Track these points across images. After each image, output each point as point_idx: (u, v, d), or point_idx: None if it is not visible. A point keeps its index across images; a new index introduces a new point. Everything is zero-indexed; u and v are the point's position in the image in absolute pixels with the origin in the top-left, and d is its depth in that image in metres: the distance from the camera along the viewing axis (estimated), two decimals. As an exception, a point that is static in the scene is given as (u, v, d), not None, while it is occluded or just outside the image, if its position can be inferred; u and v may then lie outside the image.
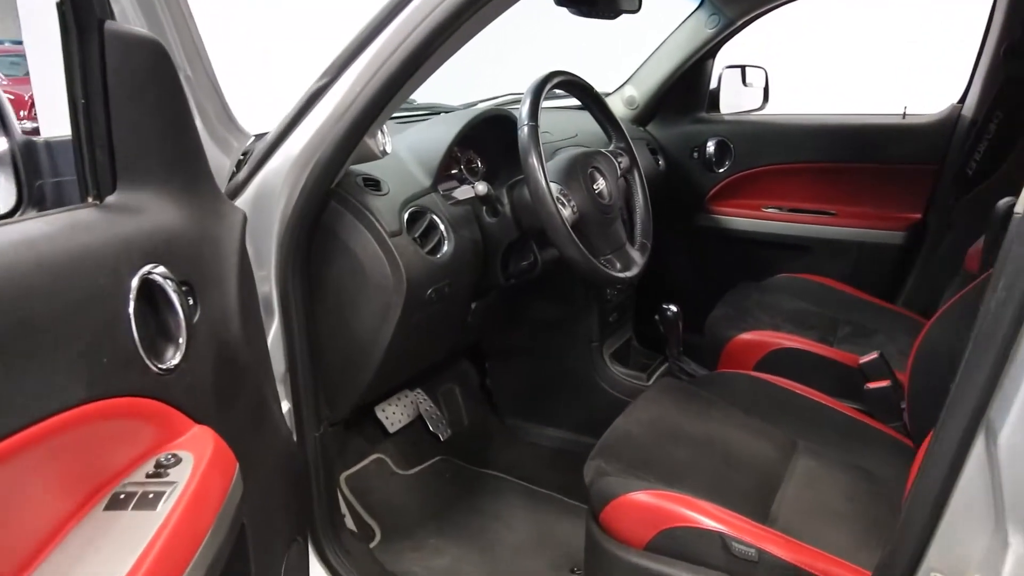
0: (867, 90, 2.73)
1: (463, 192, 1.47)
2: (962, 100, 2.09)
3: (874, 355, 1.58)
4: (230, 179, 1.14)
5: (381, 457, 1.82)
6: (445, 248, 1.31)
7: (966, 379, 0.72)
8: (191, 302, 0.83)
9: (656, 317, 1.83)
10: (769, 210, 2.35)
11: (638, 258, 1.44)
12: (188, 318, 0.80)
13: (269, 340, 1.19)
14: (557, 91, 1.42)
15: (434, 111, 1.84)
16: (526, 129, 1.24)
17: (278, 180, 1.13)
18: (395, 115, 1.66)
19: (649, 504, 1.13)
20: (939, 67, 2.37)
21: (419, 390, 1.92)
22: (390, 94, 1.05)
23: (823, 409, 1.47)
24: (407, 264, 1.21)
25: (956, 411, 0.73)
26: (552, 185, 1.27)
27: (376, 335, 1.23)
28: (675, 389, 1.50)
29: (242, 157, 1.19)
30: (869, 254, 2.21)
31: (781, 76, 2.39)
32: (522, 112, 1.27)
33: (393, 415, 1.80)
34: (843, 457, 1.32)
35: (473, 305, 1.53)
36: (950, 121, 2.09)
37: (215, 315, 0.87)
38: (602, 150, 1.50)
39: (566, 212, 1.29)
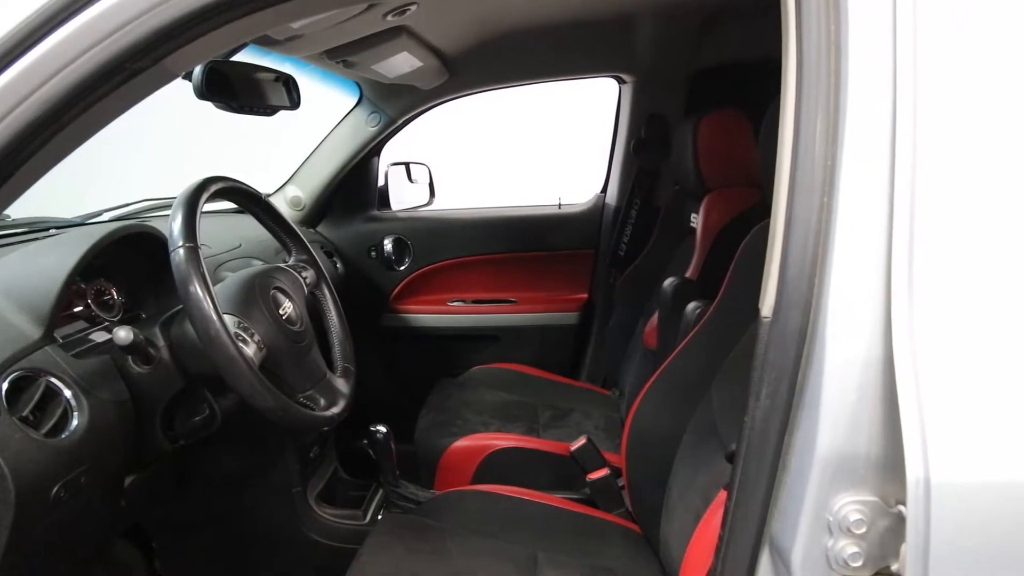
0: (526, 182, 2.95)
1: (98, 335, 1.10)
2: (604, 190, 2.34)
3: (582, 440, 1.60)
4: None
5: None
6: (74, 422, 0.93)
7: (743, 493, 0.66)
8: None
9: (364, 441, 1.61)
10: (454, 303, 2.33)
11: (343, 387, 1.22)
12: None
13: None
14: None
15: (39, 228, 1.40)
16: (182, 252, 0.96)
17: None
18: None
19: None
20: (582, 159, 2.65)
21: (53, 602, 1.39)
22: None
23: (552, 511, 1.43)
24: (12, 459, 0.82)
25: (739, 529, 0.67)
26: (227, 318, 0.99)
27: (-35, 579, 0.80)
28: (402, 527, 1.31)
29: None
30: (550, 336, 2.32)
31: (448, 171, 2.43)
32: (172, 231, 0.98)
33: (12, 657, 1.25)
34: (582, 561, 1.27)
35: (128, 481, 1.14)
36: (597, 209, 2.32)
37: None
38: (281, 265, 1.27)
39: (250, 351, 1.02)
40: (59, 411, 0.92)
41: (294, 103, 1.59)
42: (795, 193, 0.62)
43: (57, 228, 1.43)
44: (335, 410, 1.16)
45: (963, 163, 0.62)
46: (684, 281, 1.57)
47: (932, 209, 0.61)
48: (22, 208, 1.39)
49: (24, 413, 0.88)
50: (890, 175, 0.61)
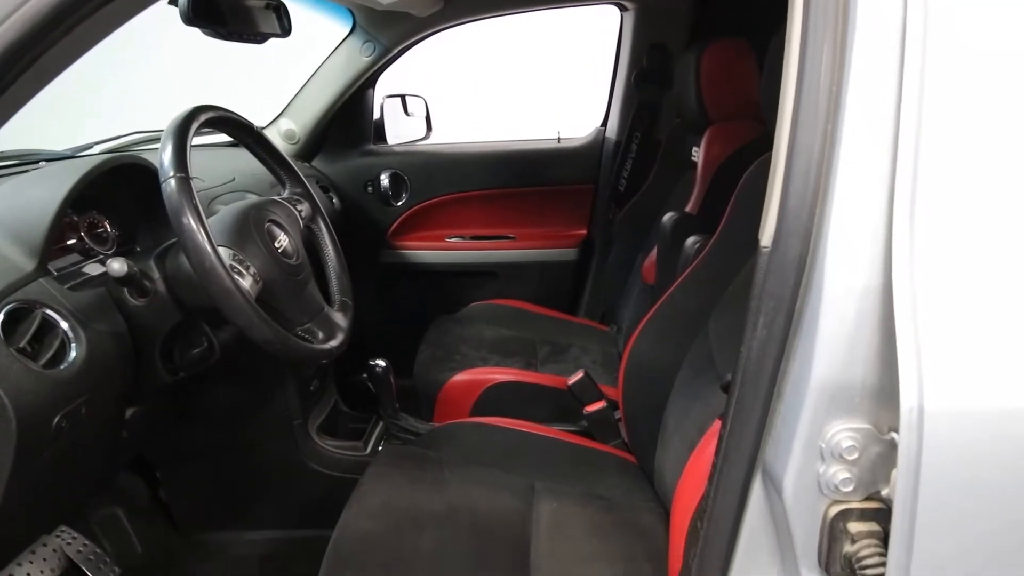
0: (524, 114, 2.89)
1: (92, 268, 1.09)
2: (604, 123, 2.29)
3: (580, 374, 1.62)
4: None
5: None
6: (73, 354, 0.93)
7: (738, 422, 0.67)
8: None
9: (364, 375, 1.63)
10: (452, 239, 2.32)
11: (341, 321, 1.22)
12: None
13: None
14: (205, 130, 1.13)
15: (29, 160, 1.38)
16: (173, 183, 0.94)
17: None
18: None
19: (407, 622, 0.95)
20: (583, 92, 2.59)
21: (62, 528, 1.43)
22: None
23: (549, 442, 1.45)
24: (11, 390, 0.83)
25: (733, 456, 0.68)
26: (222, 251, 0.98)
27: (-28, 504, 0.82)
28: (402, 457, 1.33)
29: None
30: (549, 272, 2.32)
31: (444, 103, 2.38)
32: (163, 161, 0.96)
33: (27, 580, 1.30)
34: (578, 489, 1.30)
35: (129, 413, 1.15)
36: (597, 143, 2.28)
37: None
38: (276, 198, 1.25)
39: (246, 283, 1.01)
40: (56, 343, 0.92)
41: (285, 30, 1.54)
42: (799, 119, 0.60)
43: (47, 160, 1.41)
44: (333, 343, 1.16)
45: (973, 92, 0.60)
46: (684, 215, 1.56)
47: (938, 137, 0.59)
48: (11, 140, 1.37)
49: (21, 344, 0.88)
50: (896, 102, 0.60)
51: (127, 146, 1.69)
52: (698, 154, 1.72)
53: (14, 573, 1.29)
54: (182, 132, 1.00)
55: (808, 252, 0.60)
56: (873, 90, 0.60)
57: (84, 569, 1.40)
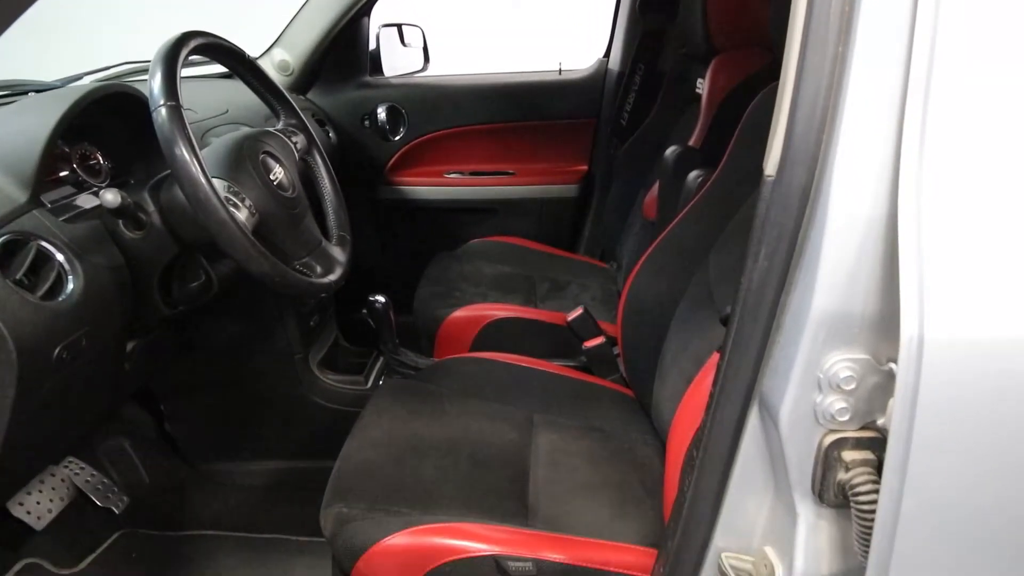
0: (525, 44, 2.81)
1: (86, 200, 1.08)
2: (607, 54, 2.23)
3: (579, 311, 1.62)
4: None
5: (34, 562, 1.37)
6: (70, 286, 0.93)
7: (736, 353, 0.67)
8: None
9: (364, 311, 1.63)
10: (451, 175, 2.28)
11: (340, 255, 1.21)
12: None
13: None
14: (195, 58, 1.10)
15: (18, 91, 1.35)
16: (164, 111, 0.92)
17: None
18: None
19: (410, 546, 0.99)
20: (584, 21, 2.51)
21: (70, 459, 1.47)
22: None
23: (548, 377, 1.47)
24: (10, 321, 0.83)
25: (730, 387, 0.68)
26: (216, 182, 0.97)
27: (-22, 433, 0.83)
28: (402, 390, 1.35)
29: None
30: (549, 209, 2.29)
31: (442, 32, 2.31)
32: (153, 89, 0.93)
33: (38, 506, 1.34)
34: (577, 422, 1.32)
35: (130, 346, 1.16)
36: (599, 75, 2.22)
37: None
38: (270, 129, 1.22)
39: (242, 216, 1.00)
40: (53, 275, 0.91)
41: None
42: (808, 40, 0.58)
43: (36, 91, 1.38)
44: (332, 277, 1.15)
45: (990, 16, 0.57)
46: (687, 149, 1.53)
47: (952, 61, 0.57)
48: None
49: (18, 276, 0.87)
50: (911, 22, 0.57)
51: (117, 76, 1.64)
52: (703, 86, 1.67)
53: (23, 501, 1.33)
54: (171, 59, 0.96)
55: (813, 181, 0.59)
56: (887, 8, 0.57)
57: (92, 498, 1.45)
